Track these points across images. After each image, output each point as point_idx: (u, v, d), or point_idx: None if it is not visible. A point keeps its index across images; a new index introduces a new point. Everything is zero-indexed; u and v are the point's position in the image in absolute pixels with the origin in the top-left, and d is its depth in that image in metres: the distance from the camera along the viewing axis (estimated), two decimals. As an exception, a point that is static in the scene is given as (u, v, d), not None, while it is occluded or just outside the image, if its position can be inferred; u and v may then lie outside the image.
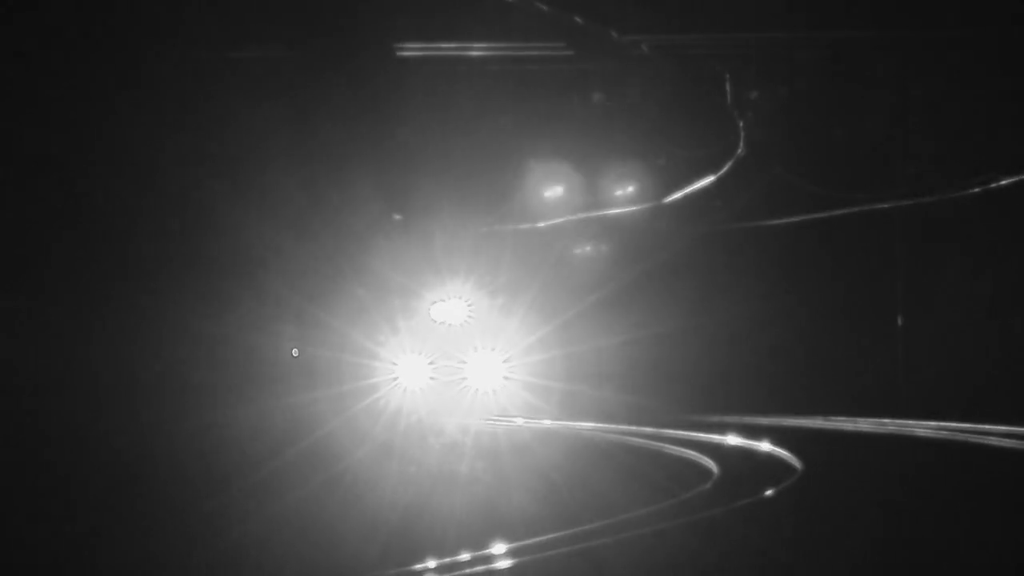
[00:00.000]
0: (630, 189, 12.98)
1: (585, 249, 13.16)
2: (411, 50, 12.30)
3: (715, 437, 12.74)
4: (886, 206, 12.76)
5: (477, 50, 12.33)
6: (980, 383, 12.36)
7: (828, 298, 12.70)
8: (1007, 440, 12.12)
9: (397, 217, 12.72)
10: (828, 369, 12.56)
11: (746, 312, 12.54)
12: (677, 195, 12.92)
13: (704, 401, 12.65)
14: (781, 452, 12.39)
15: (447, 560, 10.75)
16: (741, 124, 12.69)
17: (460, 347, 13.01)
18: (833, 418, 12.52)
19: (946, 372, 12.47)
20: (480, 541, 10.85)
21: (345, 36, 12.15)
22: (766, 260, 12.73)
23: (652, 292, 12.68)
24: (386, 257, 12.66)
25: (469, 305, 13.02)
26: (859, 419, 12.47)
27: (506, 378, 12.91)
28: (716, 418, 12.66)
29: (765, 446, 12.59)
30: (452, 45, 12.28)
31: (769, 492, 11.70)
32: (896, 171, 12.81)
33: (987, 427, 12.21)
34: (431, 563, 10.72)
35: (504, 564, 10.75)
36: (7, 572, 10.56)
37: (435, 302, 12.96)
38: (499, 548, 10.93)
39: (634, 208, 12.99)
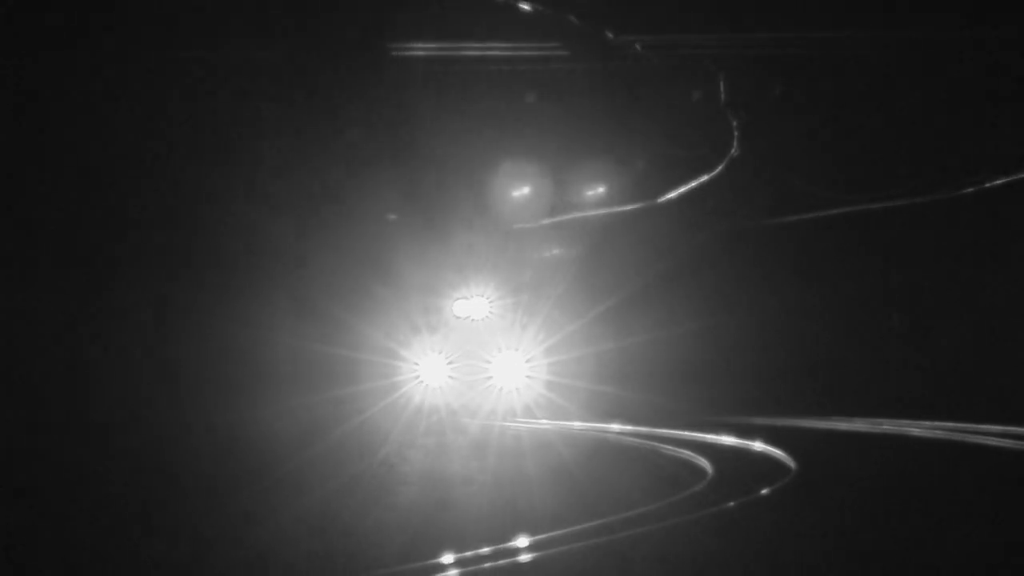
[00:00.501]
0: (621, 190, 12.97)
1: (563, 250, 13.17)
2: (406, 50, 12.33)
3: (710, 436, 12.77)
4: (881, 206, 12.66)
5: (472, 50, 12.32)
6: (976, 382, 12.30)
7: (824, 298, 12.64)
8: (1003, 440, 12.03)
9: (392, 217, 12.80)
10: (824, 369, 12.51)
11: (744, 313, 12.51)
12: (670, 195, 12.89)
13: (702, 401, 12.69)
14: (777, 452, 12.40)
15: (469, 554, 10.90)
16: (735, 124, 12.66)
17: (483, 346, 13.08)
18: (829, 418, 12.52)
19: (941, 371, 12.41)
20: (500, 536, 10.99)
21: (343, 37, 12.21)
22: (762, 261, 12.70)
23: (653, 298, 12.67)
24: (408, 256, 12.76)
25: (491, 303, 13.07)
26: (855, 419, 12.49)
27: (528, 377, 12.99)
28: (711, 417, 12.72)
29: (759, 445, 12.53)
30: (447, 45, 12.29)
31: (765, 491, 11.80)
32: (890, 171, 12.67)
33: (982, 427, 12.12)
34: (451, 557, 10.86)
35: (525, 557, 10.90)
36: (29, 572, 10.85)
37: (457, 299, 13.04)
38: (521, 541, 11.08)
39: (625, 209, 13.01)
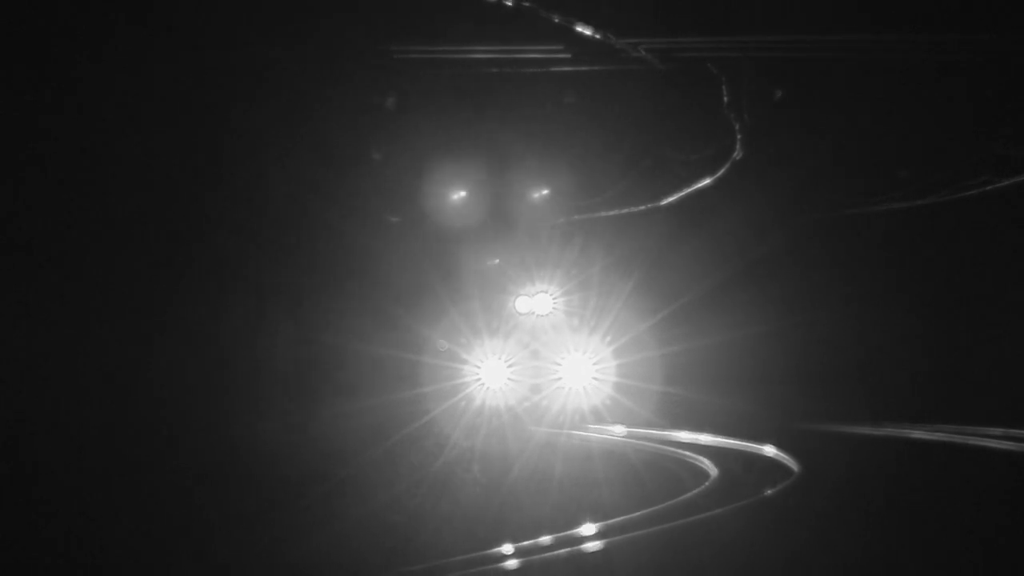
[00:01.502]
0: (626, 192, 12.95)
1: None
2: (408, 53, 12.30)
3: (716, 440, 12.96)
4: (883, 208, 12.53)
5: (475, 53, 12.28)
6: (977, 385, 12.08)
7: (825, 302, 12.48)
8: (1004, 442, 11.87)
9: (394, 219, 12.90)
10: (825, 372, 12.36)
11: (757, 319, 12.44)
12: (672, 198, 12.90)
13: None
14: (780, 454, 12.43)
15: (526, 543, 11.27)
16: (738, 127, 12.54)
17: (547, 346, 13.11)
18: (832, 420, 12.51)
19: (943, 373, 12.22)
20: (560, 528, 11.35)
21: (344, 40, 12.16)
22: (757, 266, 12.56)
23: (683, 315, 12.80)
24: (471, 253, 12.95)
25: (555, 301, 13.07)
26: (857, 421, 12.41)
27: (596, 379, 12.97)
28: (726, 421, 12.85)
29: (770, 449, 12.58)
30: (450, 48, 12.27)
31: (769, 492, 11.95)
32: (893, 173, 12.52)
33: (984, 429, 11.99)
34: (510, 547, 11.24)
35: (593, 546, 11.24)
36: (99, 568, 11.16)
37: (520, 296, 13.06)
38: (588, 528, 11.41)
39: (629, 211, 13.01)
